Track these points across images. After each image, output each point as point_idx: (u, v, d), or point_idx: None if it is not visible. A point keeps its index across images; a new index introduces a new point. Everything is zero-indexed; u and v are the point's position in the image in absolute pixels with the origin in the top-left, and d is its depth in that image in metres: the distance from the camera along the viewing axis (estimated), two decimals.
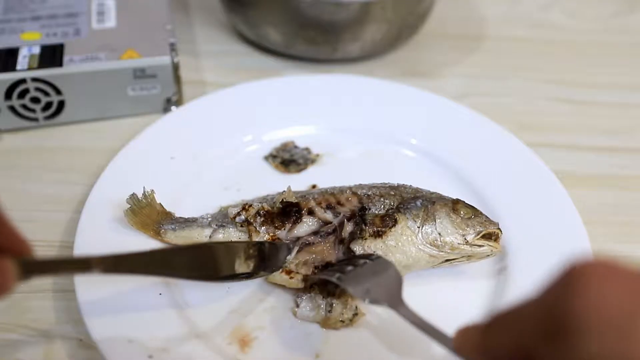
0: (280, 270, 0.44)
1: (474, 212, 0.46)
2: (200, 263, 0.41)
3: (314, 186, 0.53)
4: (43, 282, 0.45)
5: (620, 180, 0.58)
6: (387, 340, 0.42)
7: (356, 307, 0.42)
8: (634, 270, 0.21)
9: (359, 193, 0.47)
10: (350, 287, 0.39)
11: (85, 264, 0.34)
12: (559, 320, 0.21)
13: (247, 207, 0.46)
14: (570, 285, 0.21)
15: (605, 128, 0.64)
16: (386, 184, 0.49)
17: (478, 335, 0.27)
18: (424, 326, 0.34)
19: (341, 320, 0.42)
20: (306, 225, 0.46)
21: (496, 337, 0.26)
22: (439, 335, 0.32)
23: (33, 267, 0.31)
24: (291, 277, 0.44)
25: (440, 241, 0.44)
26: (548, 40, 0.77)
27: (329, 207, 0.46)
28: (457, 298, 0.45)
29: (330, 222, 0.46)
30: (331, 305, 0.42)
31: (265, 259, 0.43)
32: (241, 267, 0.42)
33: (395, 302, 0.37)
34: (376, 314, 0.43)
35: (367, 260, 0.42)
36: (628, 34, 0.79)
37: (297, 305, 0.43)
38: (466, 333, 0.28)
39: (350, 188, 0.48)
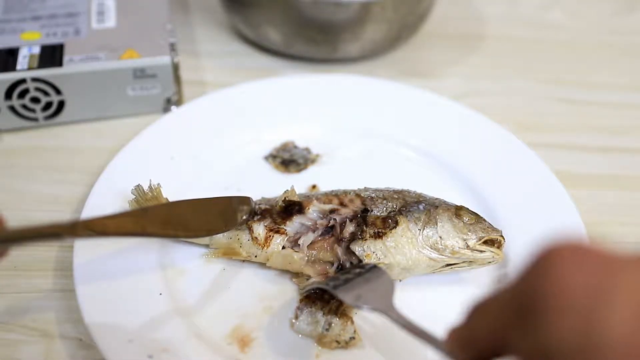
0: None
1: (477, 218, 0.46)
2: (171, 220, 0.43)
3: (314, 186, 0.53)
4: (43, 282, 0.45)
5: (620, 180, 0.58)
6: (384, 346, 0.42)
7: (354, 331, 0.42)
8: (602, 250, 0.21)
9: (362, 195, 0.47)
10: (341, 294, 0.39)
11: (59, 229, 0.35)
12: (527, 302, 0.21)
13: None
14: (538, 267, 0.21)
15: (605, 128, 0.64)
16: (390, 188, 0.49)
17: (461, 331, 0.27)
18: (415, 330, 0.34)
19: (337, 341, 0.41)
20: (306, 218, 0.46)
21: (475, 327, 0.26)
22: (431, 339, 0.32)
23: (10, 237, 0.33)
24: (290, 263, 0.44)
25: (441, 244, 0.44)
26: (548, 40, 0.77)
27: (332, 210, 0.46)
28: (457, 304, 0.45)
29: (330, 217, 0.46)
30: (330, 324, 0.42)
31: (232, 213, 0.45)
32: (208, 223, 0.44)
33: (386, 307, 0.37)
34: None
35: (362, 270, 0.42)
36: (628, 34, 0.79)
37: (296, 317, 0.43)
38: (454, 332, 0.28)
39: (354, 191, 0.48)
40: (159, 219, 0.42)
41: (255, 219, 0.46)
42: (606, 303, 0.19)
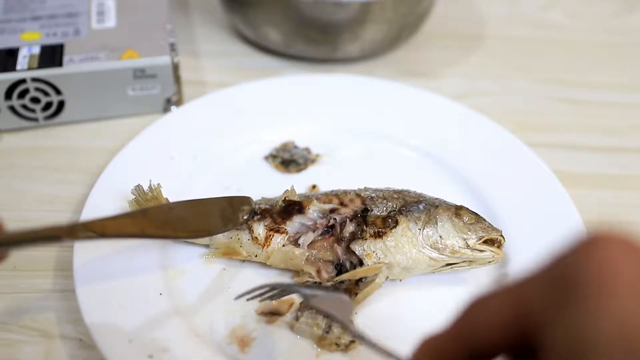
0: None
1: (477, 218, 0.46)
2: (171, 221, 0.43)
3: (314, 186, 0.53)
4: (43, 282, 0.45)
5: (620, 180, 0.58)
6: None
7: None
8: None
9: (362, 195, 0.47)
10: (302, 292, 0.38)
11: (58, 232, 0.35)
12: (570, 284, 0.20)
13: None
14: (584, 251, 0.20)
15: (605, 128, 0.64)
16: (390, 188, 0.49)
17: (453, 330, 0.24)
18: (373, 347, 0.33)
19: (336, 344, 0.41)
20: (306, 218, 0.46)
21: (473, 325, 0.24)
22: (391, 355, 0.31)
23: (9, 240, 0.33)
24: (291, 259, 0.44)
25: (441, 244, 0.44)
26: (548, 40, 0.77)
27: (332, 210, 0.46)
28: (457, 304, 0.45)
29: (330, 216, 0.46)
30: (330, 326, 0.42)
31: (232, 213, 0.45)
32: (208, 223, 0.44)
33: (344, 318, 0.36)
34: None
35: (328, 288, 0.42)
36: (628, 34, 0.79)
37: (297, 319, 0.42)
38: (429, 340, 0.26)
39: (354, 190, 0.48)
40: (159, 220, 0.42)
41: (255, 218, 0.46)
42: None
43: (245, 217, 0.45)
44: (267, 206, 0.47)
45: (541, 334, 0.21)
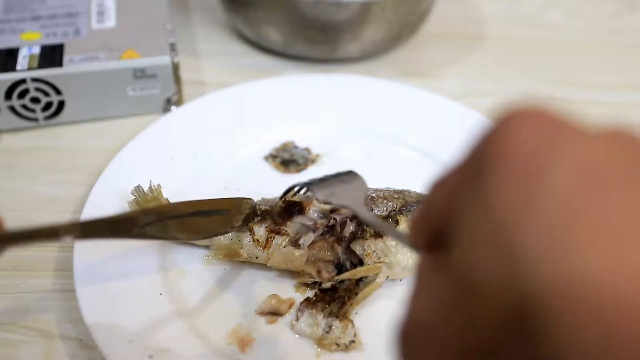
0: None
1: None
2: (170, 222, 0.42)
3: None
4: (43, 282, 0.45)
5: None
6: (385, 351, 0.42)
7: (354, 335, 0.42)
8: (562, 117, 0.20)
9: None
10: (316, 190, 0.40)
11: (57, 231, 0.35)
12: (476, 164, 0.20)
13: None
14: (494, 129, 0.20)
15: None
16: (390, 188, 0.49)
17: (418, 211, 0.25)
18: (380, 226, 0.35)
19: (337, 344, 0.41)
20: (307, 218, 0.46)
21: (430, 202, 0.24)
22: (395, 232, 0.32)
23: (6, 238, 0.33)
24: (291, 260, 0.44)
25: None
26: (548, 40, 0.77)
27: (332, 210, 0.46)
28: None
29: (331, 216, 0.46)
30: (330, 326, 0.42)
31: (233, 215, 0.45)
32: (207, 225, 0.44)
33: (356, 204, 0.38)
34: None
35: (338, 173, 0.44)
36: (628, 34, 0.79)
37: (297, 319, 0.42)
38: (413, 217, 0.26)
39: None
40: (159, 221, 0.42)
41: (256, 220, 0.46)
42: (550, 162, 0.18)
43: (246, 220, 0.45)
44: (268, 207, 0.47)
45: (460, 217, 0.21)
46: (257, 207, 0.47)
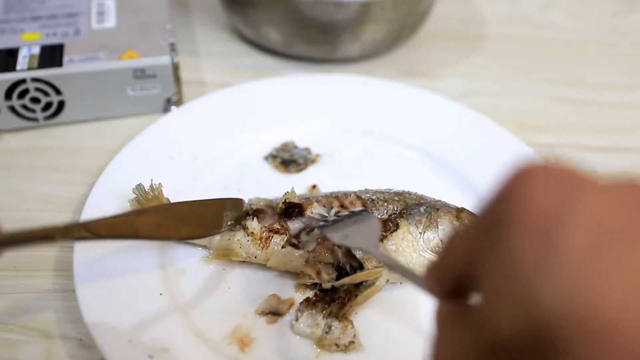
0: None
1: None
2: (164, 223, 0.43)
3: (314, 186, 0.53)
4: (43, 282, 0.45)
5: None
6: (385, 353, 0.42)
7: (354, 335, 0.41)
8: (573, 172, 0.20)
9: (363, 197, 0.47)
10: (329, 233, 0.40)
11: (55, 232, 0.36)
12: (493, 221, 0.21)
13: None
14: (508, 187, 0.21)
15: (606, 128, 0.64)
16: (391, 190, 0.49)
17: (436, 261, 0.26)
18: (396, 268, 0.35)
19: (336, 344, 0.41)
20: (307, 218, 0.46)
21: (449, 255, 0.25)
22: (412, 275, 0.32)
23: (6, 240, 0.33)
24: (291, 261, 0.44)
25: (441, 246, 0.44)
26: (548, 40, 0.77)
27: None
28: None
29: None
30: (330, 327, 0.41)
31: (225, 215, 0.45)
32: (204, 225, 0.44)
33: (372, 246, 0.39)
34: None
35: (351, 213, 0.44)
36: (628, 34, 0.79)
37: (296, 319, 0.42)
38: (430, 265, 0.27)
39: (354, 192, 0.48)
40: (153, 222, 0.42)
41: (247, 218, 0.46)
42: (566, 221, 0.19)
43: (237, 219, 0.45)
44: (260, 206, 0.47)
45: (478, 273, 0.22)
46: (249, 206, 0.47)
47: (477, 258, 0.22)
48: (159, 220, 0.43)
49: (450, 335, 0.23)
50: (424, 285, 0.28)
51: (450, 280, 0.24)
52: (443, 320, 0.24)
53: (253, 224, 0.45)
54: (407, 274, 0.32)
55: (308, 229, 0.45)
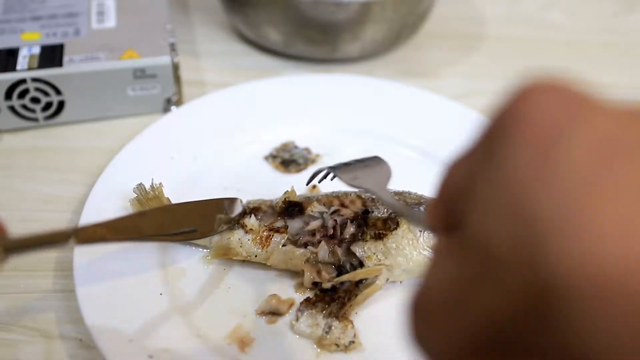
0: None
1: None
2: (167, 223, 0.43)
3: (314, 186, 0.53)
4: (43, 282, 0.45)
5: None
6: (384, 353, 0.42)
7: (354, 335, 0.41)
8: (581, 92, 0.19)
9: (363, 196, 0.47)
10: (340, 174, 0.41)
11: (60, 237, 0.36)
12: (493, 139, 0.20)
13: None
14: (510, 104, 0.20)
15: None
16: (391, 190, 0.49)
17: (435, 193, 0.24)
18: (401, 210, 0.36)
19: (336, 344, 0.41)
20: (307, 217, 0.46)
21: (447, 184, 0.23)
22: (414, 218, 0.32)
23: (12, 245, 0.33)
24: (291, 259, 0.44)
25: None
26: (548, 40, 0.77)
27: (333, 212, 0.46)
28: None
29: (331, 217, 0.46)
30: (330, 326, 0.41)
31: (224, 214, 0.45)
32: (204, 224, 0.45)
33: (379, 187, 0.39)
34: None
35: (364, 158, 0.44)
36: (628, 34, 0.79)
37: (297, 319, 0.42)
38: (430, 200, 0.25)
39: (354, 192, 0.48)
40: (156, 223, 0.43)
41: (245, 216, 0.46)
42: (569, 132, 0.18)
43: (230, 221, 0.46)
44: (257, 203, 0.47)
45: (477, 191, 0.20)
46: (247, 204, 0.47)
47: (472, 177, 0.20)
48: (161, 222, 0.43)
49: (442, 262, 0.21)
50: (426, 225, 0.27)
51: (447, 211, 0.23)
52: (437, 250, 0.22)
53: (251, 221, 0.45)
54: (410, 214, 0.32)
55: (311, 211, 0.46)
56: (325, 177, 0.45)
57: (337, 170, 0.42)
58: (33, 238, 0.35)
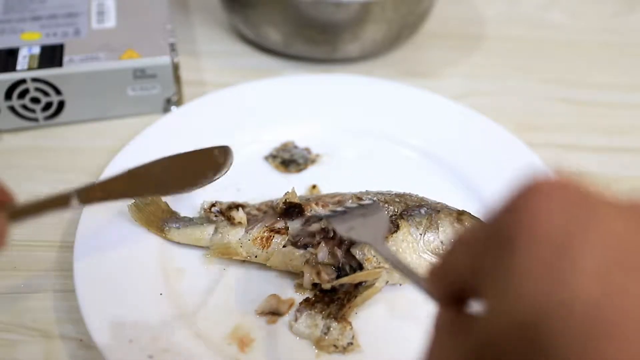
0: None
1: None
2: (169, 175, 0.44)
3: (314, 186, 0.53)
4: (43, 282, 0.45)
5: (620, 180, 0.58)
6: (384, 354, 0.42)
7: (352, 337, 0.41)
8: (586, 189, 0.20)
9: (363, 198, 0.47)
10: (335, 224, 0.40)
11: (64, 199, 0.37)
12: (501, 233, 0.20)
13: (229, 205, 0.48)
14: (518, 199, 0.20)
15: (605, 128, 0.64)
16: (392, 191, 0.49)
17: (438, 263, 0.25)
18: (398, 266, 0.35)
19: (335, 345, 0.41)
20: (307, 219, 0.46)
21: (451, 258, 0.24)
22: (412, 275, 0.32)
23: (18, 212, 0.35)
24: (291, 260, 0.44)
25: (442, 250, 0.44)
26: (548, 40, 0.77)
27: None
28: None
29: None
30: (328, 327, 0.41)
31: (214, 163, 0.46)
32: (194, 176, 0.45)
33: (377, 241, 0.38)
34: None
35: (359, 205, 0.43)
36: (628, 34, 0.79)
37: (295, 319, 0.42)
38: (432, 266, 0.26)
39: (355, 194, 0.48)
40: (147, 180, 0.43)
41: (231, 209, 0.46)
42: (578, 240, 0.18)
43: (219, 210, 0.46)
44: (244, 203, 0.48)
45: (480, 281, 0.21)
46: (234, 202, 0.48)
47: (482, 270, 0.21)
48: (149, 178, 0.44)
49: (447, 341, 0.23)
50: (425, 287, 0.28)
51: (451, 285, 0.24)
52: (441, 325, 0.24)
53: (239, 214, 0.45)
54: (409, 273, 0.32)
55: (311, 221, 0.45)
56: (318, 222, 0.45)
57: (333, 219, 0.41)
58: (38, 204, 0.36)
